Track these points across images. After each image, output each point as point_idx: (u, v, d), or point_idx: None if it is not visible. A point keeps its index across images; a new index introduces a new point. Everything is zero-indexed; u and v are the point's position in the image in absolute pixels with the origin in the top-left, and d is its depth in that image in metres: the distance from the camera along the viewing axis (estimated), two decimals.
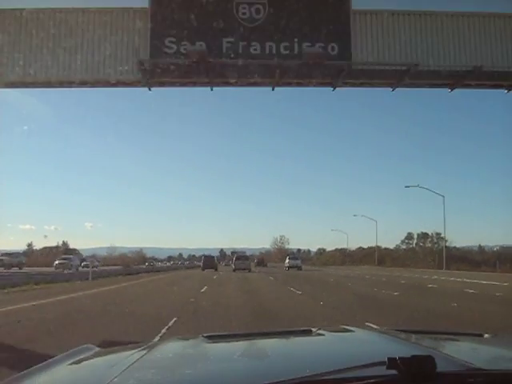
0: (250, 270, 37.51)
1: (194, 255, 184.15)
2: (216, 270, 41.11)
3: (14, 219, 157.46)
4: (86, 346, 1.70)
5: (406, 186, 45.70)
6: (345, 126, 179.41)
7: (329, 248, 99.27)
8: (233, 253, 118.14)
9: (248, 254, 67.87)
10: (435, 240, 53.88)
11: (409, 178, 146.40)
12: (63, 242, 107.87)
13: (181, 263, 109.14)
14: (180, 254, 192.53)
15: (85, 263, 45.14)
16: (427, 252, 52.31)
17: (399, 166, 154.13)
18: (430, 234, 56.85)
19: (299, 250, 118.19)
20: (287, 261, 46.95)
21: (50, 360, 1.44)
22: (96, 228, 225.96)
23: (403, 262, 52.54)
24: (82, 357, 1.49)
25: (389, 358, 0.92)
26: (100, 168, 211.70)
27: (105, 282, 23.07)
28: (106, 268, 43.81)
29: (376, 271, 40.86)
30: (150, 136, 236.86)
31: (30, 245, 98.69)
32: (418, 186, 43.73)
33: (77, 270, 36.08)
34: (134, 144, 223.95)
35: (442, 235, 53.86)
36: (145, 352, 1.44)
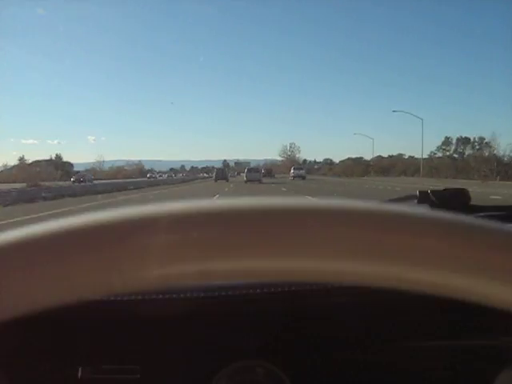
0: (260, 182, 39.30)
1: (196, 167, 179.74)
2: (227, 180, 44.02)
3: (17, 134, 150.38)
4: None
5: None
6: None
7: (337, 159, 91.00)
8: (236, 163, 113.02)
9: (252, 165, 63.92)
10: (477, 146, 45.43)
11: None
12: (56, 155, 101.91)
13: (168, 176, 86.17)
14: (182, 166, 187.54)
15: None
16: (481, 161, 43.02)
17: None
18: (471, 139, 47.95)
19: (305, 160, 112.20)
20: (292, 171, 51.85)
21: None
22: (99, 141, 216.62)
23: (446, 172, 43.85)
24: None
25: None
26: (103, 80, 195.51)
27: None
28: None
29: (468, 186, 30.47)
30: (150, 51, 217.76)
31: (21, 159, 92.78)
32: None
33: None
34: (135, 57, 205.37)
35: (487, 140, 45.40)
36: None
